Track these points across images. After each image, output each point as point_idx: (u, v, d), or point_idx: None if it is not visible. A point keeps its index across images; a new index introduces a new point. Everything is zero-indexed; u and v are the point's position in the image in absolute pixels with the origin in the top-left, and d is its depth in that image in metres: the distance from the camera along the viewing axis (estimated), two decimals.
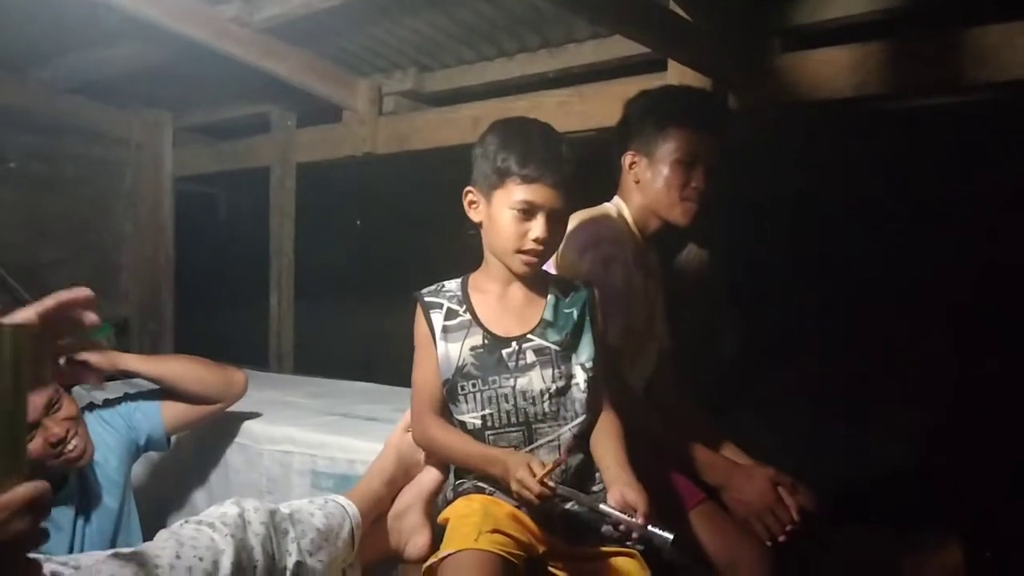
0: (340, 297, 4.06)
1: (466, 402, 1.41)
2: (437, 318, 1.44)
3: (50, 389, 1.67)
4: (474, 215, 1.43)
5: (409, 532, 1.52)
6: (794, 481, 1.63)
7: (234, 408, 2.13)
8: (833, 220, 2.86)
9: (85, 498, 1.82)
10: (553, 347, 1.41)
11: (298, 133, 3.71)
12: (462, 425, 1.42)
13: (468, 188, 1.43)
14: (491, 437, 1.40)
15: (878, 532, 1.82)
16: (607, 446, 1.41)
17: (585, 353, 1.43)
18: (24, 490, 0.80)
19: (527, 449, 1.38)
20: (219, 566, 1.18)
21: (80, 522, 1.80)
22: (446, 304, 1.45)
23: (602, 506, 1.27)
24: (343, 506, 1.45)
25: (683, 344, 1.95)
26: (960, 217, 2.63)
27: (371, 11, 2.70)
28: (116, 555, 1.19)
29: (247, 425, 2.11)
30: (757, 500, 1.58)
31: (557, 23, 2.62)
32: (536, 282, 1.46)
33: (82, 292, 0.88)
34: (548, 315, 1.44)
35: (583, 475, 1.41)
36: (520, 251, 1.37)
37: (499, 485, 1.39)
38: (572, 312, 1.45)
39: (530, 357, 1.40)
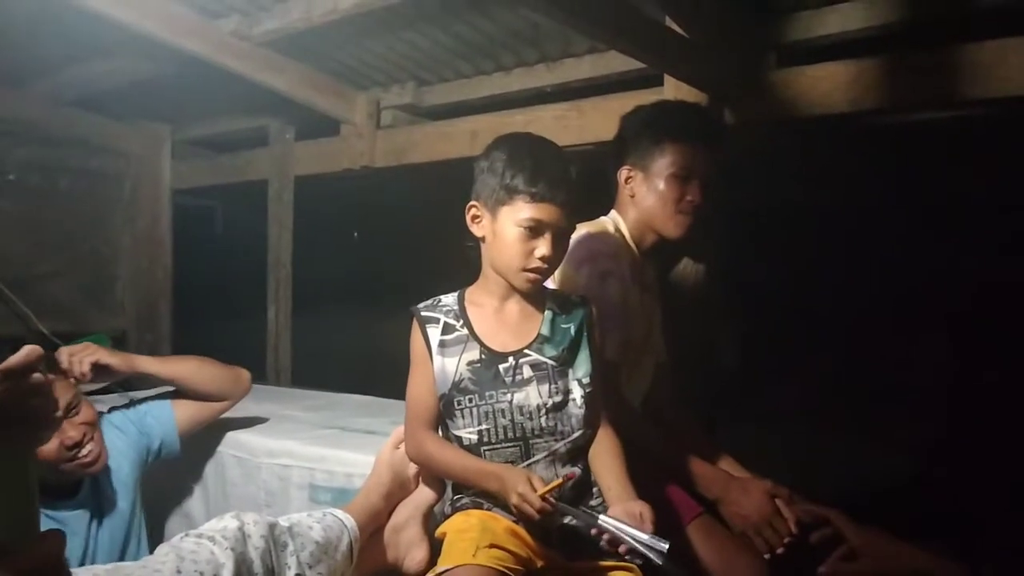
0: (338, 310, 4.06)
1: (462, 417, 1.41)
2: (434, 333, 1.44)
3: (69, 392, 1.68)
4: (477, 230, 1.43)
5: (407, 546, 1.52)
6: (791, 494, 1.63)
7: (232, 421, 2.14)
8: (829, 234, 2.88)
9: (98, 504, 1.82)
10: (550, 362, 1.42)
11: (296, 146, 3.72)
12: (458, 440, 1.42)
13: (472, 203, 1.43)
14: (487, 452, 1.40)
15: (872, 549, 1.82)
16: (608, 464, 1.41)
17: (582, 368, 1.44)
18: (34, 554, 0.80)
19: (524, 464, 1.39)
20: None
21: (94, 527, 1.80)
22: (443, 319, 1.45)
23: (601, 519, 1.27)
24: (341, 520, 1.45)
25: (680, 358, 1.96)
26: (956, 230, 2.65)
27: (370, 25, 2.72)
28: (117, 569, 1.19)
29: (245, 438, 2.10)
30: (754, 513, 1.58)
31: (555, 38, 2.64)
32: (533, 297, 1.46)
33: (33, 352, 0.83)
34: (545, 330, 1.44)
35: (581, 490, 1.42)
36: (525, 269, 1.38)
37: (496, 500, 1.39)
38: (569, 327, 1.45)
39: (527, 372, 1.40)
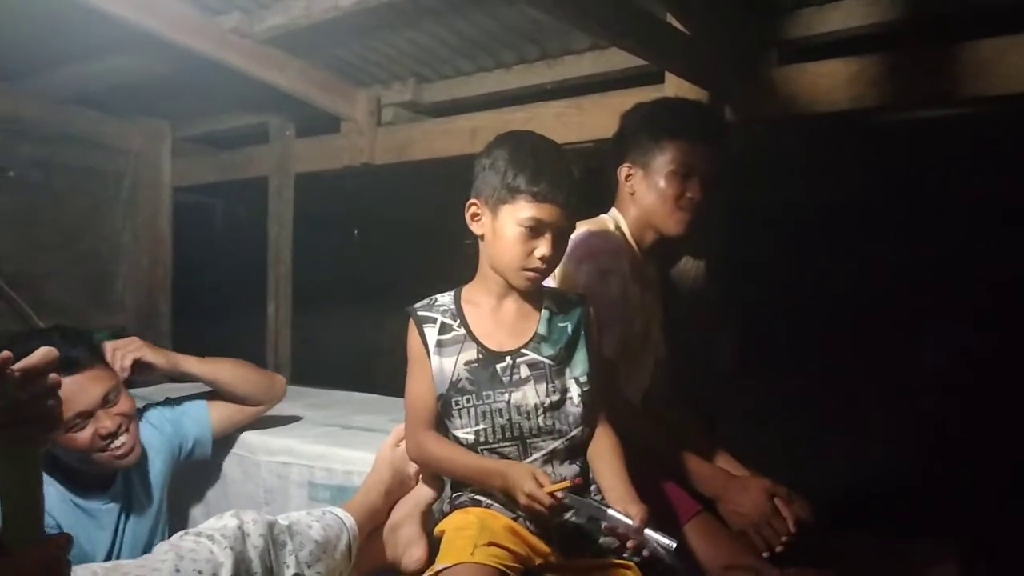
0: (338, 307, 4.06)
1: (460, 417, 1.41)
2: (431, 333, 1.44)
3: (110, 382, 1.67)
4: (476, 227, 1.43)
5: (405, 544, 1.52)
6: (790, 492, 1.63)
7: None
8: (829, 231, 2.87)
9: (129, 499, 1.81)
10: (547, 361, 1.42)
11: (296, 143, 3.72)
12: (456, 440, 1.43)
13: (472, 200, 1.42)
14: (485, 452, 1.40)
15: (874, 542, 1.82)
16: (608, 464, 1.41)
17: (579, 367, 1.44)
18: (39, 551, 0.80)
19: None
20: None
21: (122, 522, 1.79)
22: (440, 319, 1.45)
23: (610, 512, 1.28)
24: (341, 518, 1.45)
25: (680, 356, 1.96)
26: (956, 227, 2.65)
27: (371, 22, 2.71)
28: (116, 567, 1.19)
29: (244, 436, 2.09)
30: (753, 511, 1.58)
31: (555, 35, 2.64)
32: (531, 296, 1.46)
33: (50, 354, 0.83)
34: (542, 329, 1.44)
35: (580, 489, 1.40)
36: (525, 268, 1.38)
37: (496, 497, 1.39)
38: (567, 326, 1.45)
39: (524, 372, 1.40)
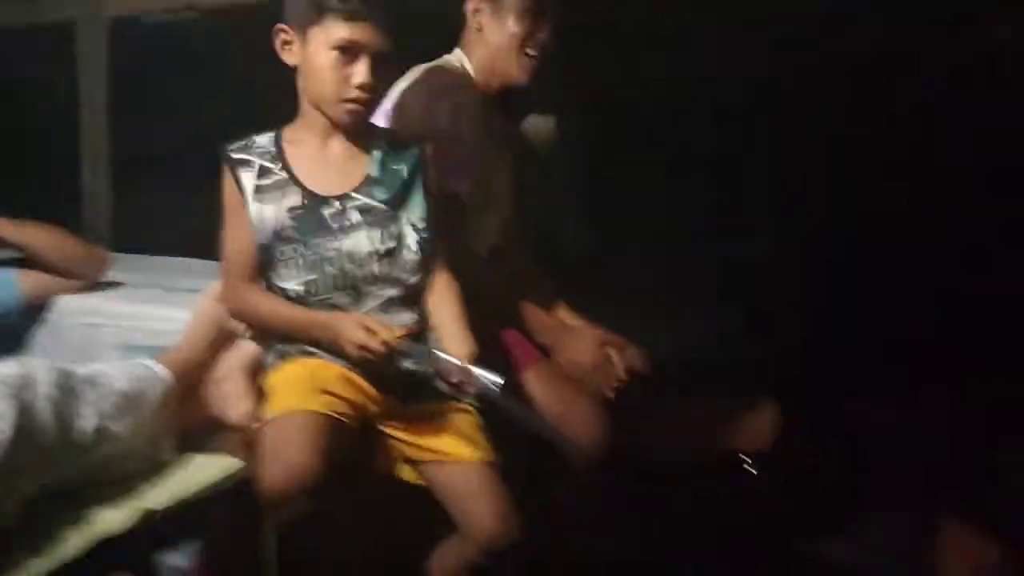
0: (163, 170, 3.72)
1: (286, 267, 1.33)
2: (248, 177, 1.33)
3: None
4: (288, 57, 1.32)
5: (232, 397, 1.44)
6: (624, 343, 1.66)
7: None
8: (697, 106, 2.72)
9: None
10: (380, 206, 1.35)
11: None
12: (282, 292, 1.35)
13: (280, 26, 1.30)
14: (316, 304, 1.33)
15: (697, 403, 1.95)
16: (444, 308, 1.39)
17: (416, 212, 1.38)
18: None
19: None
20: None
21: None
22: (257, 161, 1.34)
23: (434, 352, 1.27)
24: (154, 370, 1.33)
25: (524, 227, 1.91)
26: None
27: None
28: None
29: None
30: (587, 359, 1.61)
31: None
32: (360, 134, 1.37)
33: None
34: (374, 171, 1.36)
35: (417, 337, 1.36)
36: (343, 99, 1.28)
37: (329, 348, 1.33)
38: (402, 168, 1.38)
39: (355, 217, 1.33)
